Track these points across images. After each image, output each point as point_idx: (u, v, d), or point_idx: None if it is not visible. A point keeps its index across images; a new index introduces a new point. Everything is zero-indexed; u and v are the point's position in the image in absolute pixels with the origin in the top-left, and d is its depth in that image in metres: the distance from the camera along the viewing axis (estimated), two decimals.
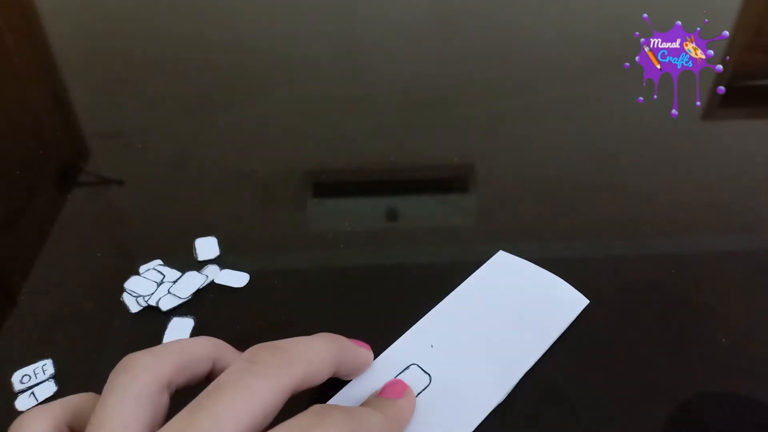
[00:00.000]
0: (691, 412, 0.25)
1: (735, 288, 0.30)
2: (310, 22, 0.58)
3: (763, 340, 0.28)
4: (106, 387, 0.20)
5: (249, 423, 0.19)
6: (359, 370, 0.26)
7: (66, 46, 0.56)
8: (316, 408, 0.20)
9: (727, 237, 0.33)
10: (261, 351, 0.21)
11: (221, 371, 0.21)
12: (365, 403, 0.24)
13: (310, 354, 0.22)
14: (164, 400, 0.20)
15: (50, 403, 0.21)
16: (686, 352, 0.27)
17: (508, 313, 0.29)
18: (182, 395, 0.21)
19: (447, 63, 0.52)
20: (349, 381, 0.26)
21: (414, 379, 0.26)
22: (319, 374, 0.22)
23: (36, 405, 0.21)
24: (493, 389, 0.26)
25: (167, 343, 0.22)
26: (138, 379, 0.20)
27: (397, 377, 0.26)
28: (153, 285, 0.32)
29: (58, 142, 0.45)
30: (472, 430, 0.24)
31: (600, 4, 0.61)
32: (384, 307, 0.30)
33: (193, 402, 0.19)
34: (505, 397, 0.25)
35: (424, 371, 0.26)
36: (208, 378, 0.23)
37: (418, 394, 0.25)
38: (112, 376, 0.20)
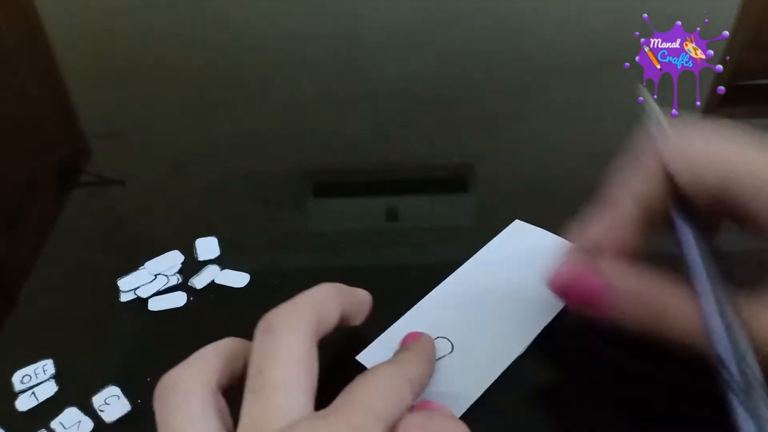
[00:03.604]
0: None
1: (734, 287, 0.30)
2: (310, 22, 0.58)
3: None
4: (263, 343, 0.20)
5: (297, 382, 0.20)
6: (362, 311, 0.26)
7: (66, 46, 0.56)
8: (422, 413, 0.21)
9: (727, 236, 0.33)
10: (271, 318, 0.21)
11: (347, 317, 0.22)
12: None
13: (316, 299, 0.23)
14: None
15: (201, 354, 0.21)
16: None
17: (526, 274, 0.30)
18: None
19: (447, 63, 0.52)
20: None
21: (438, 348, 0.27)
22: (329, 316, 0.22)
23: (184, 363, 0.21)
24: (512, 344, 0.27)
25: (303, 296, 0.22)
26: (304, 338, 0.20)
27: None
28: (153, 285, 0.32)
29: (58, 142, 0.45)
30: (491, 382, 0.26)
31: (600, 4, 0.61)
32: (384, 307, 0.30)
33: (248, 390, 0.19)
34: (524, 350, 0.27)
35: (447, 339, 0.27)
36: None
37: (440, 359, 0.26)
38: (268, 335, 0.20)
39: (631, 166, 0.25)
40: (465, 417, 0.25)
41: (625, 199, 0.24)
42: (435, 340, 0.27)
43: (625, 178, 0.25)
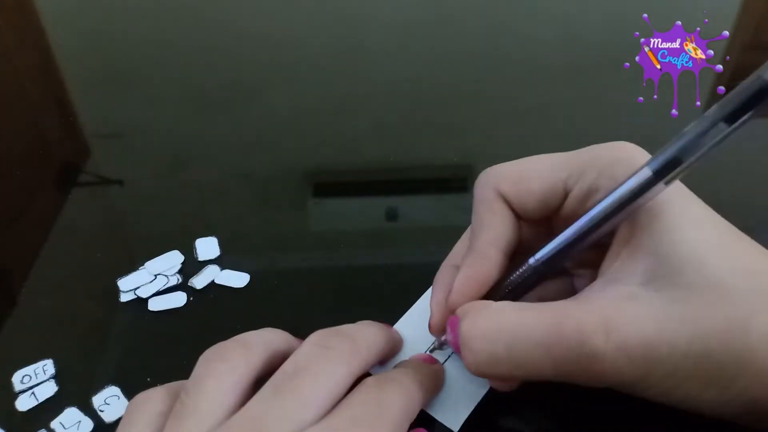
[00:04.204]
0: None
1: None
2: (310, 23, 0.58)
3: None
4: (199, 371, 0.20)
5: (327, 408, 0.19)
6: (395, 355, 0.26)
7: (66, 46, 0.56)
8: (370, 381, 0.21)
9: None
10: (331, 337, 0.21)
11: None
12: (400, 365, 0.25)
13: (371, 342, 0.22)
14: (249, 394, 0.20)
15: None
16: None
17: None
18: None
19: (447, 63, 0.52)
20: None
21: (439, 354, 0.27)
22: (375, 362, 0.23)
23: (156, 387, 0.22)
24: None
25: (252, 335, 0.22)
26: (236, 370, 0.20)
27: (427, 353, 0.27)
28: (153, 285, 0.32)
29: (58, 142, 0.45)
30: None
31: (600, 4, 0.61)
32: (384, 307, 0.30)
33: (272, 383, 0.19)
34: None
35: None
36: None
37: (444, 362, 0.26)
38: (205, 362, 0.20)
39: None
40: (469, 416, 0.25)
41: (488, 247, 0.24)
42: (435, 343, 0.27)
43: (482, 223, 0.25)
